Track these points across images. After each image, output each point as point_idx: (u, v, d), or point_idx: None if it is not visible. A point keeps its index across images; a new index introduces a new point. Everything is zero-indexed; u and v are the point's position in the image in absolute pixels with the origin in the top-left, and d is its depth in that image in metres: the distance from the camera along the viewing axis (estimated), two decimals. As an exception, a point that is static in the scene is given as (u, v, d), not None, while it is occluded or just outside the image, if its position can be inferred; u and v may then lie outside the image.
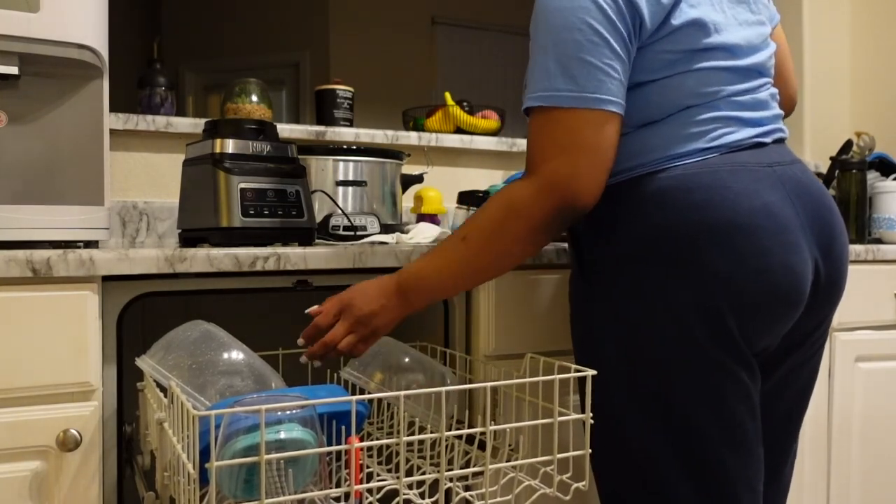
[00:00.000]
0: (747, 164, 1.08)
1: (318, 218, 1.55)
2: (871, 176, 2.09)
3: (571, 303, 1.21)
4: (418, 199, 1.90)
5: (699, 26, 1.07)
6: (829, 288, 1.13)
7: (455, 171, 2.13)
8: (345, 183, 1.61)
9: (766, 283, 1.04)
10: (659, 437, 1.08)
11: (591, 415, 1.04)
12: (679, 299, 1.05)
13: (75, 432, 1.05)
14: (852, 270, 1.55)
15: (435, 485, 0.95)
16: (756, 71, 1.14)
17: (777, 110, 1.18)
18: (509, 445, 1.14)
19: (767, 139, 1.13)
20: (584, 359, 1.16)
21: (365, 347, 1.14)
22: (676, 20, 1.06)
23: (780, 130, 1.17)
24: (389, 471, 1.19)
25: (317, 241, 1.48)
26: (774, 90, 1.19)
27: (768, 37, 1.19)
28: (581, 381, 1.12)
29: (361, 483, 0.91)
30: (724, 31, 1.10)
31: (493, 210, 1.08)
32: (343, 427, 0.97)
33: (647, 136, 1.09)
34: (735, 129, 1.10)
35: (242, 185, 1.27)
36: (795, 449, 1.27)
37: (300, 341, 1.16)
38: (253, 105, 1.81)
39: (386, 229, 1.63)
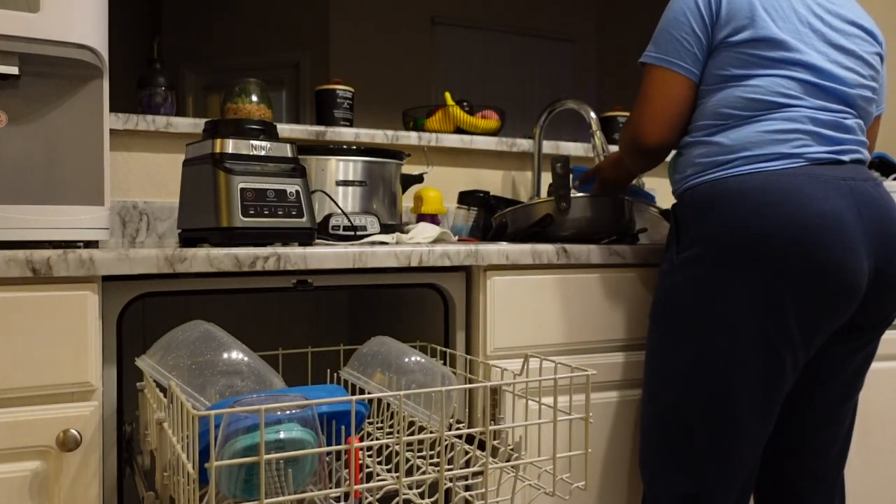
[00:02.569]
0: (823, 176, 1.23)
1: (318, 218, 1.55)
2: (871, 176, 2.08)
3: (661, 285, 1.36)
4: (418, 199, 1.90)
5: (774, 43, 1.28)
6: (889, 290, 1.28)
7: (455, 171, 2.14)
8: (345, 183, 1.61)
9: (824, 278, 1.19)
10: (700, 404, 1.27)
11: (591, 414, 1.04)
12: (748, 289, 1.21)
13: (75, 432, 1.05)
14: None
15: (435, 485, 0.95)
16: (843, 99, 1.30)
17: (862, 138, 1.32)
18: (509, 446, 1.14)
19: (845, 157, 1.27)
20: (659, 338, 1.34)
21: None
22: (760, 31, 1.28)
23: (860, 153, 1.30)
24: (389, 471, 1.19)
25: (317, 241, 1.48)
26: (862, 124, 1.33)
27: (868, 93, 1.35)
28: (647, 373, 1.36)
29: (361, 483, 0.91)
30: (804, 53, 1.28)
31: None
32: (343, 427, 0.97)
33: (734, 136, 1.28)
34: (814, 144, 1.26)
35: (242, 185, 1.27)
36: (843, 434, 1.43)
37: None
38: (253, 105, 1.81)
39: (386, 229, 1.63)
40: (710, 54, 1.32)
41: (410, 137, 2.04)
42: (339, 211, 1.57)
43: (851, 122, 1.31)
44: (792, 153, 1.25)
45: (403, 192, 1.76)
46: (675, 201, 1.39)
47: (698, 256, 1.26)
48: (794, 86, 1.28)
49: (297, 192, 1.32)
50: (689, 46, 1.32)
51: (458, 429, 1.22)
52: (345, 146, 1.62)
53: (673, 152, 1.42)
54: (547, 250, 1.38)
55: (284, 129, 1.84)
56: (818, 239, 1.18)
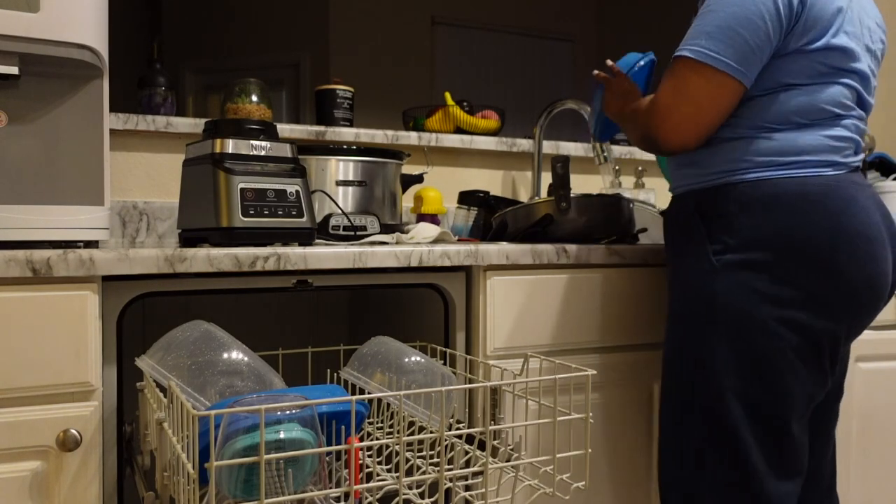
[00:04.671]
0: (862, 184, 1.24)
1: (318, 218, 1.55)
2: (871, 176, 2.09)
3: (686, 287, 1.28)
4: (418, 199, 1.90)
5: (845, 53, 1.23)
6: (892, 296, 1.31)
7: (455, 171, 2.14)
8: (345, 183, 1.61)
9: (871, 288, 1.21)
10: (748, 421, 1.21)
11: (591, 414, 1.04)
12: (804, 296, 1.18)
13: (75, 432, 1.05)
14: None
15: (435, 485, 0.95)
16: (869, 105, 1.31)
17: None
18: (509, 446, 1.14)
19: (860, 164, 1.30)
20: (687, 336, 1.26)
21: None
22: (833, 40, 1.22)
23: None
24: (389, 471, 1.19)
25: (317, 241, 1.48)
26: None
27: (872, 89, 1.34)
28: (667, 370, 1.30)
29: (361, 483, 0.91)
30: (861, 62, 1.26)
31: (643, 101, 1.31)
32: (343, 427, 0.97)
33: (795, 138, 1.23)
34: (853, 154, 1.26)
35: (242, 185, 1.27)
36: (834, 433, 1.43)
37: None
38: (253, 105, 1.81)
39: (386, 229, 1.63)
40: (773, 58, 1.22)
41: (410, 137, 2.04)
42: (339, 211, 1.57)
43: (864, 125, 1.32)
44: (840, 162, 1.24)
45: (403, 192, 1.76)
46: (686, 194, 1.32)
47: (751, 259, 1.20)
48: (850, 95, 1.25)
49: (297, 192, 1.32)
50: (759, 54, 1.20)
51: (458, 429, 1.22)
52: (345, 146, 1.62)
53: None
54: (547, 250, 1.38)
55: (284, 129, 1.84)
56: (871, 251, 1.19)
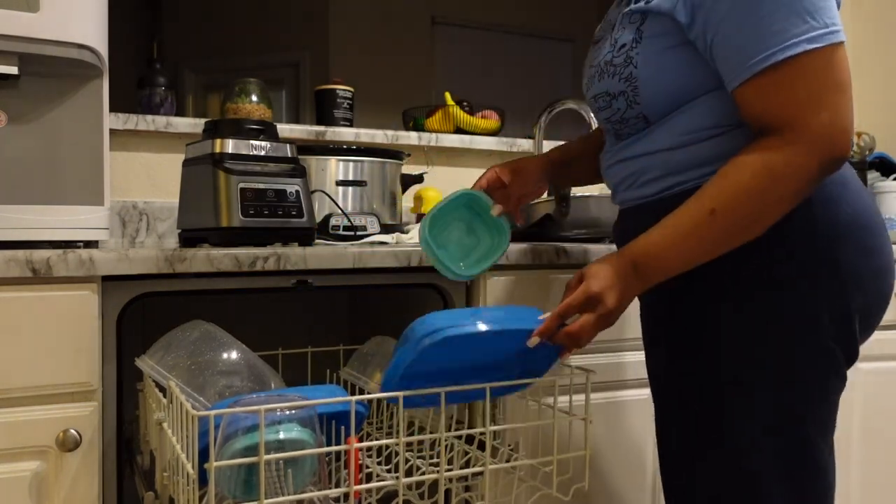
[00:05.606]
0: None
1: (318, 218, 1.55)
2: (872, 176, 2.09)
3: (683, 305, 1.09)
4: (418, 199, 1.90)
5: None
6: None
7: (455, 171, 2.13)
8: (345, 183, 1.61)
9: (882, 282, 1.06)
10: (767, 436, 1.03)
11: (591, 415, 1.04)
12: (816, 300, 1.01)
13: (75, 432, 1.05)
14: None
15: (434, 485, 0.95)
16: None
17: None
18: (509, 446, 1.14)
19: None
20: (680, 371, 1.08)
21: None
22: None
23: None
24: (389, 471, 1.19)
25: (317, 241, 1.48)
26: None
27: None
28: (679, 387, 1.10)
29: (361, 483, 0.91)
30: None
31: (748, 179, 0.96)
32: (342, 427, 0.97)
33: None
34: None
35: (242, 185, 1.27)
36: None
37: (534, 341, 1.01)
38: (253, 105, 1.81)
39: (386, 229, 1.63)
40: None
41: (410, 137, 2.04)
42: (339, 211, 1.57)
43: None
44: None
45: (403, 192, 1.76)
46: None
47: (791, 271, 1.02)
48: None
49: (297, 192, 1.32)
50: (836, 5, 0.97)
51: (457, 429, 1.22)
52: (345, 146, 1.62)
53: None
54: (547, 250, 1.38)
55: (284, 129, 1.84)
56: (877, 240, 1.05)
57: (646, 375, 1.44)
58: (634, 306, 1.47)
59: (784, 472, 1.02)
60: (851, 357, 1.05)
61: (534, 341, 1.01)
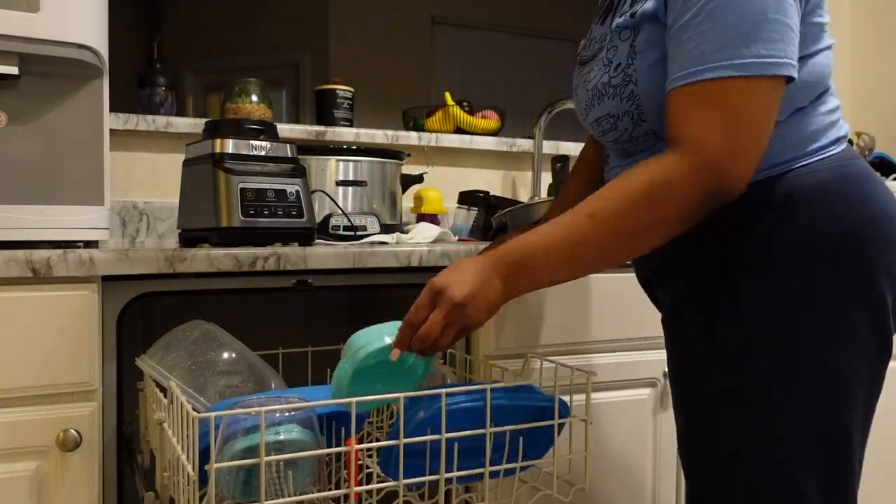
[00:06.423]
0: (863, 157, 1.01)
1: (318, 218, 1.55)
2: (872, 176, 2.09)
3: (694, 314, 1.04)
4: (418, 199, 1.90)
5: (822, 4, 1.00)
6: None
7: (455, 171, 2.13)
8: (345, 183, 1.60)
9: None
10: (813, 443, 0.99)
11: (591, 415, 1.04)
12: (854, 296, 0.97)
13: (75, 432, 1.05)
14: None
15: (435, 486, 0.95)
16: None
17: None
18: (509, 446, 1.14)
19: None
20: (717, 375, 1.02)
21: (458, 338, 0.97)
22: None
23: None
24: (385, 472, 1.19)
25: (317, 241, 1.48)
26: None
27: None
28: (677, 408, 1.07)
29: (361, 484, 0.91)
30: (824, 5, 1.03)
31: (633, 186, 0.93)
32: (343, 428, 0.97)
33: (800, 125, 1.00)
34: (842, 120, 1.05)
35: (242, 185, 1.27)
36: None
37: (396, 353, 0.97)
38: (253, 105, 1.81)
39: (386, 229, 1.63)
40: None
41: (410, 137, 2.04)
42: (339, 211, 1.57)
43: None
44: (842, 136, 1.03)
45: (403, 192, 1.76)
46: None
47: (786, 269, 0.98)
48: (831, 59, 1.03)
49: (297, 192, 1.32)
50: (795, 37, 0.93)
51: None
52: (345, 146, 1.62)
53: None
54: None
55: (284, 129, 1.84)
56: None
57: (646, 375, 1.44)
58: (635, 307, 1.47)
59: (820, 467, 1.00)
60: (886, 353, 1.01)
61: (395, 354, 0.96)
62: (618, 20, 1.04)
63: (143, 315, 1.62)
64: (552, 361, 1.13)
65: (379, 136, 1.99)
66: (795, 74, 0.92)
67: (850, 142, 2.11)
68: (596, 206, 0.94)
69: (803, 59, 0.97)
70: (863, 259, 0.97)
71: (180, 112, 2.53)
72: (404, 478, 0.92)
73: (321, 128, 1.93)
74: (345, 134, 1.95)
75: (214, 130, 1.32)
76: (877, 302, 0.98)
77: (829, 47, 1.02)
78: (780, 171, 0.99)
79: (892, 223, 1.00)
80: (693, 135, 0.92)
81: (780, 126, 0.98)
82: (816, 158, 1.00)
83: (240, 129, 1.32)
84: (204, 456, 0.85)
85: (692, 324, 1.05)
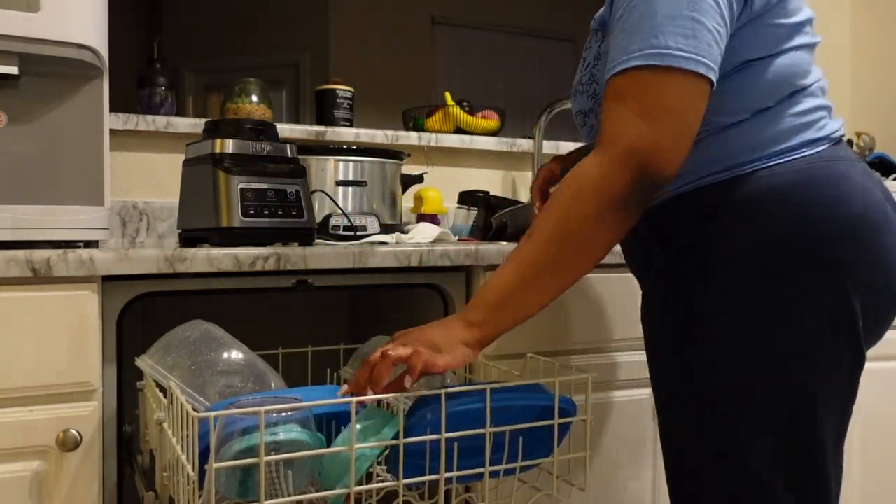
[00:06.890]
0: (850, 157, 1.00)
1: (318, 218, 1.55)
2: (871, 176, 2.08)
3: (659, 322, 1.06)
4: (418, 199, 1.90)
5: (796, 4, 0.99)
6: None
7: (455, 171, 2.13)
8: (345, 183, 1.61)
9: (891, 281, 0.98)
10: (780, 452, 0.98)
11: (591, 415, 1.04)
12: (818, 302, 0.95)
13: (75, 432, 1.05)
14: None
15: (434, 486, 0.95)
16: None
17: None
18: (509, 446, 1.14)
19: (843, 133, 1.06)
20: (692, 379, 1.01)
21: (415, 373, 0.93)
22: None
23: None
24: (388, 471, 1.19)
25: (317, 241, 1.48)
26: None
27: None
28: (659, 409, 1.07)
29: (360, 484, 0.91)
30: (805, 6, 1.02)
31: (561, 192, 0.94)
32: (342, 428, 0.97)
33: (761, 126, 0.99)
34: (830, 118, 1.03)
35: (242, 185, 1.27)
36: None
37: (344, 389, 0.96)
38: (253, 105, 1.81)
39: (386, 229, 1.63)
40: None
41: (410, 137, 2.04)
42: (339, 211, 1.57)
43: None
44: (818, 137, 1.00)
45: (403, 192, 1.76)
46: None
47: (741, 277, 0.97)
48: (810, 57, 1.02)
49: (297, 192, 1.32)
50: (720, 41, 0.92)
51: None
52: (345, 146, 1.62)
53: None
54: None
55: (284, 129, 1.84)
56: (881, 237, 0.98)
57: (645, 376, 1.43)
58: (634, 307, 1.47)
59: (791, 477, 0.99)
60: (862, 362, 1.01)
61: (344, 390, 0.95)
62: (592, 23, 1.08)
63: (143, 315, 1.62)
64: (552, 362, 1.13)
65: (379, 136, 1.99)
66: (708, 73, 0.91)
67: (850, 142, 2.11)
68: (533, 226, 0.95)
69: (761, 60, 0.97)
70: (825, 264, 0.95)
71: (180, 112, 2.53)
72: (404, 477, 0.92)
73: (321, 128, 1.93)
74: (345, 134, 1.95)
75: (214, 130, 1.32)
76: (842, 308, 0.96)
77: (801, 46, 1.00)
78: (738, 174, 0.98)
79: (867, 228, 0.97)
80: (609, 128, 0.93)
81: (737, 127, 0.98)
82: (780, 160, 0.98)
83: (240, 129, 1.32)
84: (204, 456, 0.85)
85: (657, 327, 1.06)
